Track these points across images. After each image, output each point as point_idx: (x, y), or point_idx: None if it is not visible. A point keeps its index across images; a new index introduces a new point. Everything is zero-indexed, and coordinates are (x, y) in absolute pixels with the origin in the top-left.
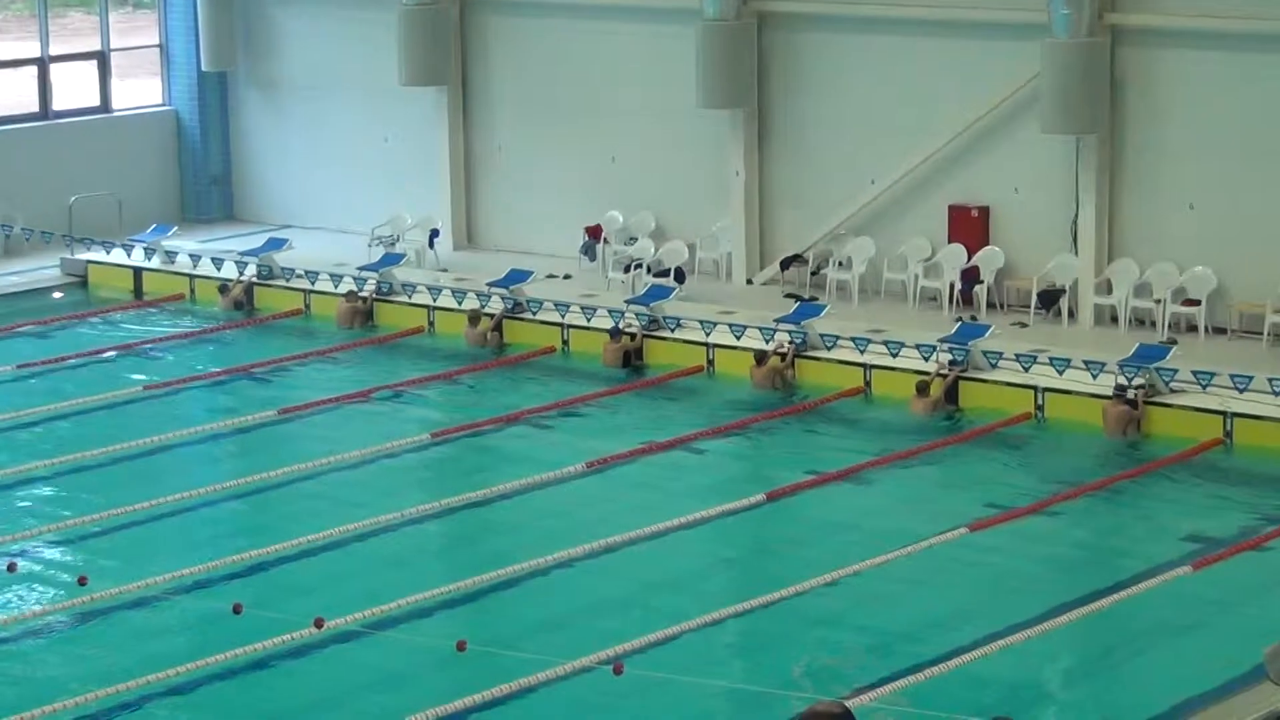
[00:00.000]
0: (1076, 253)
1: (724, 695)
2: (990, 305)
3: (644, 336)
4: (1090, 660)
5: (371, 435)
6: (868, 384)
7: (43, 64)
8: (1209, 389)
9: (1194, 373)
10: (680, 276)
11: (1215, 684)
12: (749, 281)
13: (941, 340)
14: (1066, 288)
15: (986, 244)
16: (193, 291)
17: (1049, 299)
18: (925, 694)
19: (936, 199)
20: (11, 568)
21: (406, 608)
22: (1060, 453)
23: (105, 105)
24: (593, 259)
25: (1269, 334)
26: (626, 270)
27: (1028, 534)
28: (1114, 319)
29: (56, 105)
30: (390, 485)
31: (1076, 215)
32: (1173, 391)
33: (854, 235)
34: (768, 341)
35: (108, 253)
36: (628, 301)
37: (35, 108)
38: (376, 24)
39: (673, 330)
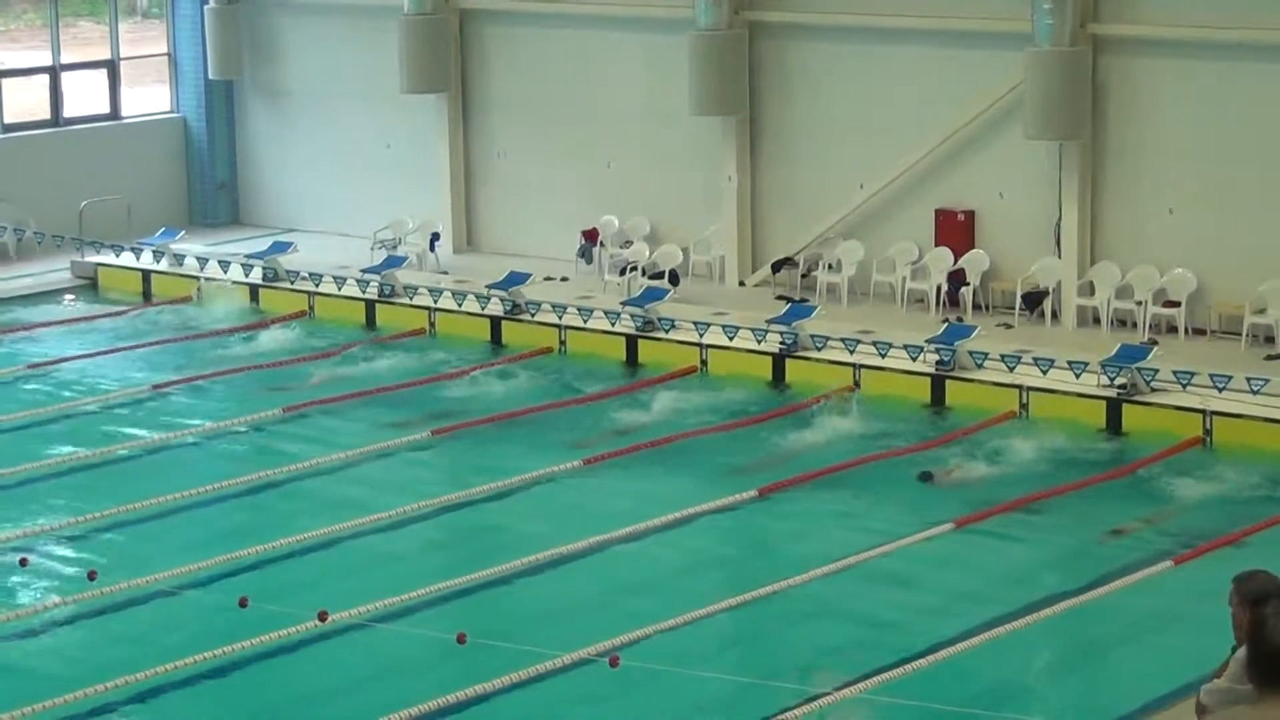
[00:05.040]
0: (1060, 255)
1: (718, 686)
2: (976, 307)
3: (639, 337)
4: (1073, 654)
5: (373, 433)
6: (857, 383)
7: (54, 72)
8: (1189, 388)
9: (1174, 372)
10: (674, 279)
11: (1195, 677)
12: (741, 284)
13: (929, 341)
14: (1050, 290)
15: (972, 247)
16: (200, 293)
17: (1033, 301)
18: (912, 686)
19: (924, 203)
20: (23, 562)
21: (408, 601)
22: (1043, 450)
23: (115, 112)
24: (589, 262)
25: (1247, 334)
26: (622, 273)
27: (1012, 530)
28: (1096, 320)
29: (67, 112)
30: (392, 482)
31: (1059, 219)
32: (1154, 391)
33: (843, 239)
34: (760, 342)
35: (117, 256)
36: (623, 303)
37: (47, 115)
38: (378, 33)
39: (667, 331)
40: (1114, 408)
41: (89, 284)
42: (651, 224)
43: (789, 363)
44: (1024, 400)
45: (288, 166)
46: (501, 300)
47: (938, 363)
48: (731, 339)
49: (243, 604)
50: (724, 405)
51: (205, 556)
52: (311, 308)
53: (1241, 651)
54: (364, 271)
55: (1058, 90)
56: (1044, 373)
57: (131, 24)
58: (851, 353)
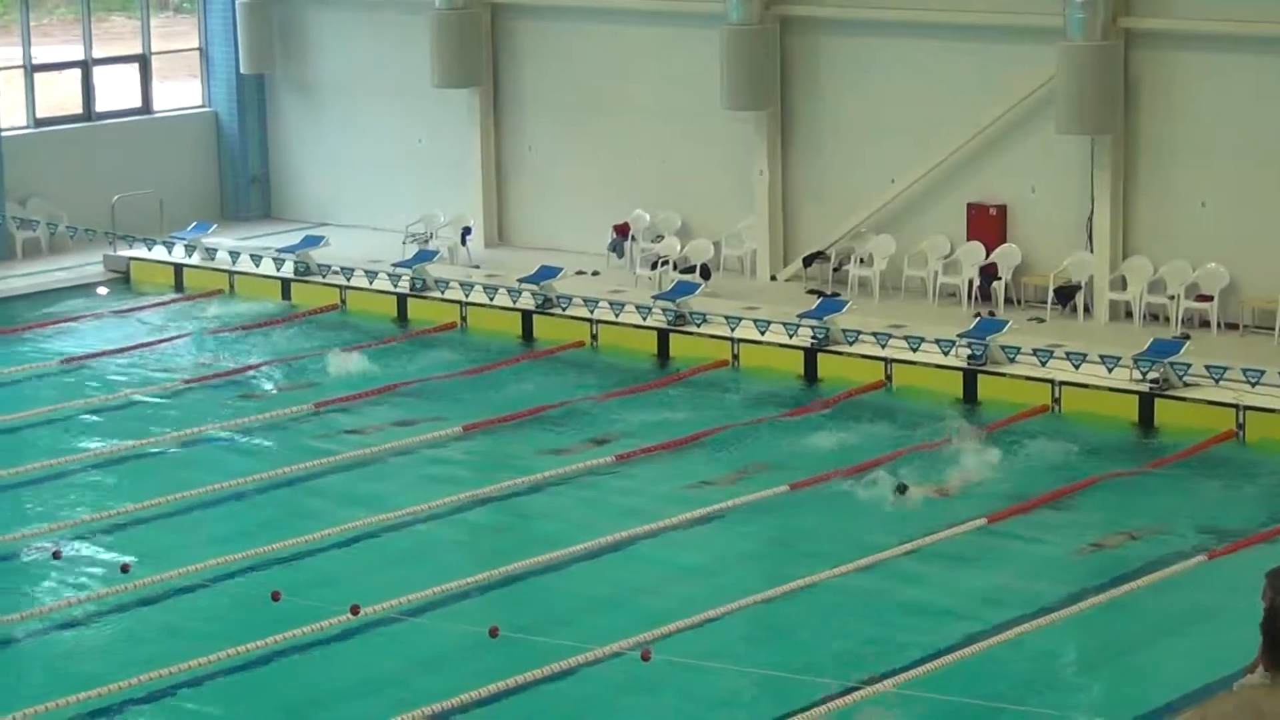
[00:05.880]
0: (1092, 250)
1: (749, 680)
2: (1008, 301)
3: (670, 332)
4: (1107, 648)
5: (405, 428)
6: (888, 378)
7: (86, 67)
8: (1221, 383)
9: (1207, 367)
10: (706, 273)
11: (1230, 672)
12: (773, 278)
13: (960, 335)
14: (1082, 284)
15: (1004, 241)
16: (232, 287)
17: (1065, 295)
18: (942, 680)
19: (955, 198)
20: (57, 555)
21: (440, 595)
22: (1076, 445)
23: (147, 107)
24: (620, 256)
25: None
26: (653, 267)
27: (1044, 525)
28: (1129, 314)
29: (100, 107)
30: (423, 476)
31: (1091, 213)
32: (1186, 385)
33: (875, 233)
34: (791, 336)
35: (149, 250)
36: (655, 297)
37: (79, 109)
38: (410, 28)
39: (698, 326)
40: (1146, 402)
41: (121, 278)
42: (683, 218)
43: (820, 357)
44: (1056, 395)
45: (319, 160)
46: (533, 294)
47: (970, 357)
48: (763, 333)
49: (275, 598)
50: (755, 400)
51: (238, 550)
52: (343, 302)
53: None
54: (395, 266)
55: (1090, 85)
56: (1076, 367)
57: (163, 18)
58: (883, 347)
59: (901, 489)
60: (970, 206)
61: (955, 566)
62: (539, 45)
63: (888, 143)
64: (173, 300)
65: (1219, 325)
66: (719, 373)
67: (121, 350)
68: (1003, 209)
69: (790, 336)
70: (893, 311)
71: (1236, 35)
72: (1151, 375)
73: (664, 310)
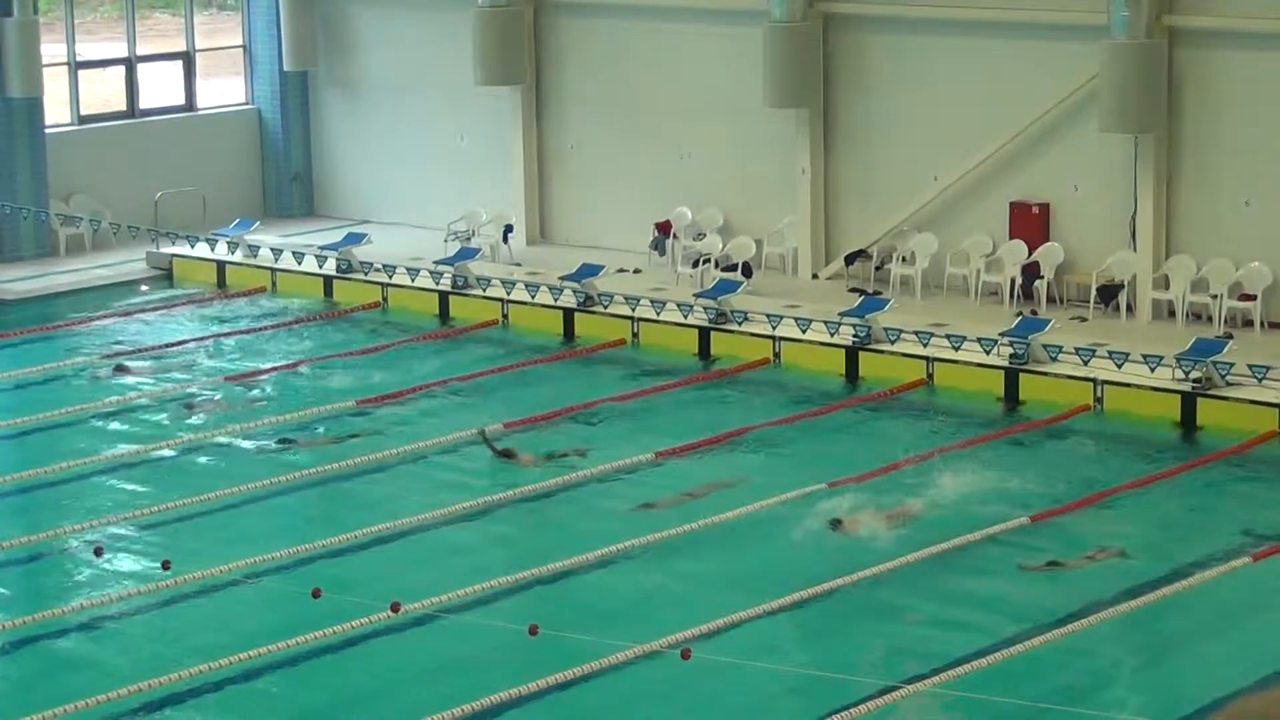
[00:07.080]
0: (1135, 249)
1: (790, 680)
2: (1050, 300)
3: (712, 330)
4: (1150, 648)
5: (446, 425)
6: (930, 376)
7: (130, 64)
8: (1264, 382)
9: (1250, 366)
10: (748, 271)
11: (1275, 670)
12: (815, 276)
13: (1002, 334)
14: (1125, 283)
15: (1047, 240)
16: (274, 284)
17: (1108, 294)
18: (986, 680)
19: (998, 196)
20: (98, 552)
21: (480, 593)
22: (1118, 444)
23: (190, 104)
24: (662, 254)
25: None
26: (695, 265)
27: (1086, 524)
28: (1171, 314)
29: (143, 104)
30: (464, 473)
31: (1135, 212)
32: (1229, 384)
33: (917, 231)
34: (833, 335)
35: (192, 246)
36: (696, 295)
37: (123, 106)
38: (453, 25)
39: (740, 324)
40: (1189, 402)
41: (164, 275)
42: (725, 216)
43: (862, 356)
44: (1098, 394)
45: (362, 158)
46: (574, 292)
47: (1012, 356)
48: (804, 332)
49: (315, 594)
50: (796, 398)
51: (278, 547)
52: (385, 299)
53: None
54: (437, 263)
55: (1133, 83)
56: (1119, 366)
57: (207, 16)
58: (925, 346)
59: (835, 524)
60: (1013, 205)
61: (997, 565)
62: (581, 43)
63: (930, 140)
64: (215, 297)
65: (1262, 324)
66: (760, 371)
67: (163, 347)
68: (1045, 207)
69: (832, 335)
70: (935, 310)
71: None
72: (1194, 375)
73: (705, 308)
